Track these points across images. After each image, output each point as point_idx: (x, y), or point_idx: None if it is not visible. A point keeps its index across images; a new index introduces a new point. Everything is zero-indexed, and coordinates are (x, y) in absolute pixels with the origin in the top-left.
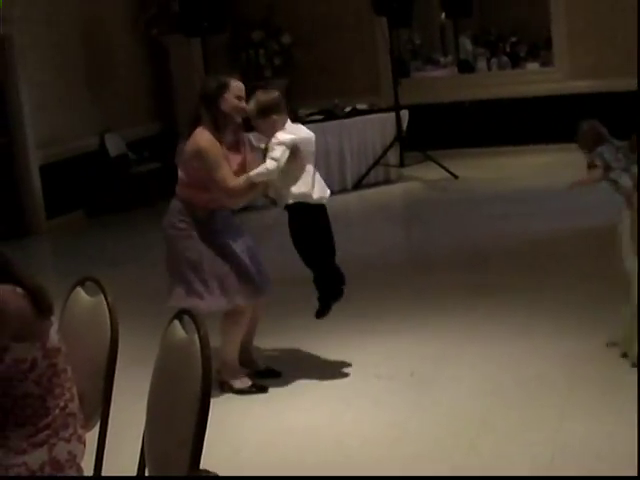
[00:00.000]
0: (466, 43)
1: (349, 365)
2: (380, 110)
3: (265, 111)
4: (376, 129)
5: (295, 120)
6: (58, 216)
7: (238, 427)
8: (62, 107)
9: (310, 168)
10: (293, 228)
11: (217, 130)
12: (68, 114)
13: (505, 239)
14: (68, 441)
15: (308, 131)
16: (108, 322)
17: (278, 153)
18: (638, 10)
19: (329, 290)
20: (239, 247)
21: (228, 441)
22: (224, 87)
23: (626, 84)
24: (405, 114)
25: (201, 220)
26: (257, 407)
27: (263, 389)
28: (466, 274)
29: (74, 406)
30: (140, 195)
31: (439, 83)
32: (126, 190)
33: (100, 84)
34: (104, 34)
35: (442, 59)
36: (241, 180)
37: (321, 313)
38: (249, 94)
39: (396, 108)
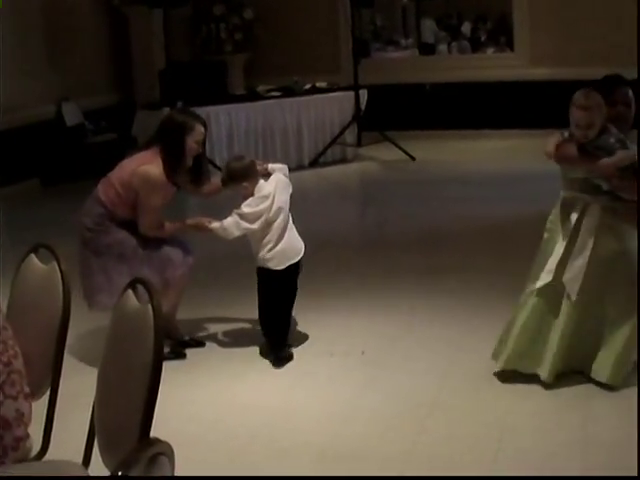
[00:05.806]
0: (429, 24)
1: (303, 342)
2: (339, 89)
3: (235, 178)
4: (334, 108)
5: (252, 97)
6: (12, 184)
7: (187, 401)
8: (19, 74)
9: (277, 230)
10: (258, 289)
11: (170, 169)
12: (25, 81)
13: (461, 221)
14: (15, 399)
15: (281, 186)
16: (61, 290)
17: (234, 229)
18: (638, 7)
19: (275, 346)
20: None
21: (176, 415)
22: (189, 130)
23: (586, 73)
24: (364, 94)
25: (121, 221)
26: (208, 381)
27: (181, 355)
28: (421, 255)
29: (18, 363)
30: (96, 165)
31: (399, 64)
32: (82, 160)
33: (59, 52)
34: (65, 1)
35: (403, 41)
36: (173, 226)
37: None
38: (216, 71)
39: (355, 87)
